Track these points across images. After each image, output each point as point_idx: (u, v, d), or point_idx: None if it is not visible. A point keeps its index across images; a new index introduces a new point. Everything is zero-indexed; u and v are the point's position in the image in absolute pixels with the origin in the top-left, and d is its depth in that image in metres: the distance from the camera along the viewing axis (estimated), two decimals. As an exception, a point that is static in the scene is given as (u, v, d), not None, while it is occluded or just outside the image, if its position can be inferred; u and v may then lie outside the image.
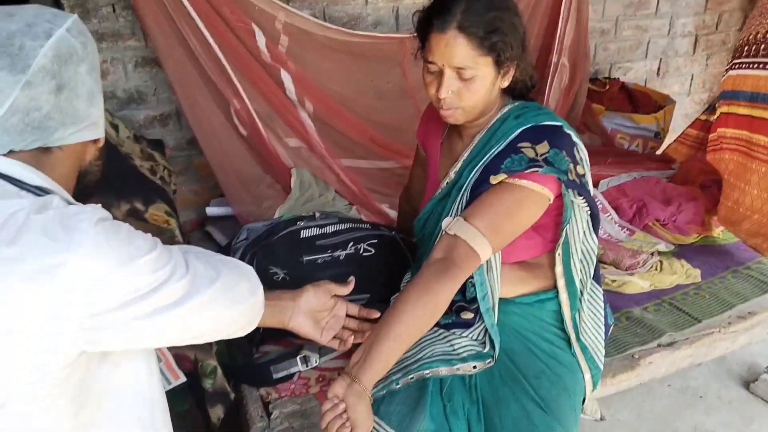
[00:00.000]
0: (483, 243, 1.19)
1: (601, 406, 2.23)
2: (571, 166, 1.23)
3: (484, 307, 1.28)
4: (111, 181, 1.11)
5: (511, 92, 1.32)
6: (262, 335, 1.56)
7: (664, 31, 3.21)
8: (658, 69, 3.31)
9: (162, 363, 1.28)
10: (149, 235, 0.86)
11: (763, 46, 1.97)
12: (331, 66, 2.35)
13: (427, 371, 1.25)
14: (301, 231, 1.76)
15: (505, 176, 1.21)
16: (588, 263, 1.35)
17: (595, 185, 2.47)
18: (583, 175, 1.27)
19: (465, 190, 1.30)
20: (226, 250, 1.89)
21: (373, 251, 1.70)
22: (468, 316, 1.32)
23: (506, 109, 1.31)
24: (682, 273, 1.97)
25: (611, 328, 1.54)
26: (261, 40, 2.09)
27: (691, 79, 3.47)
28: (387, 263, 1.67)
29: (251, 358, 1.56)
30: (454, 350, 1.30)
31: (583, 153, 1.31)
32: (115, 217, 1.06)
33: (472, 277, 1.29)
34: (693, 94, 3.51)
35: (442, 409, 1.25)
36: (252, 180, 2.19)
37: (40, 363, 0.75)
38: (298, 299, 1.19)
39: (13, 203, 0.78)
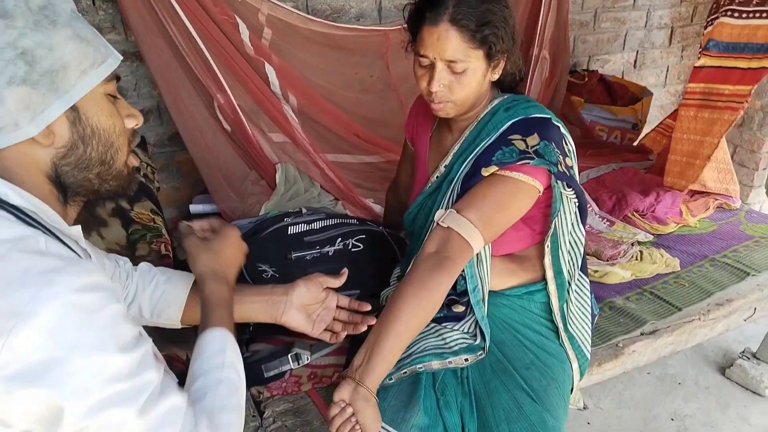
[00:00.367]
0: (476, 235, 1.20)
1: (583, 395, 2.29)
2: (561, 157, 1.25)
3: (475, 300, 1.30)
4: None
5: (499, 85, 1.34)
6: (252, 334, 1.55)
7: (641, 23, 3.25)
8: (635, 61, 3.36)
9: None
10: (140, 330, 0.77)
11: None
12: (315, 59, 2.33)
13: (420, 365, 1.27)
14: (289, 227, 1.76)
15: (497, 168, 1.23)
16: (576, 254, 1.38)
17: (576, 177, 2.50)
18: (571, 167, 1.30)
19: (456, 182, 1.31)
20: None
21: (362, 246, 1.70)
22: (459, 309, 1.34)
23: (496, 101, 1.32)
24: (662, 262, 2.02)
25: (596, 317, 1.58)
26: (245, 33, 2.06)
27: (667, 70, 3.53)
28: (375, 258, 1.68)
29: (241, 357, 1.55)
30: (446, 344, 1.32)
31: (570, 145, 1.33)
32: (99, 216, 1.01)
33: (462, 270, 1.31)
34: (668, 85, 3.57)
35: (435, 402, 1.27)
36: (236, 176, 2.17)
37: None
38: (291, 294, 1.20)
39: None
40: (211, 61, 2.00)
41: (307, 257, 1.67)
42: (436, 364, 1.27)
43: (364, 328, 1.26)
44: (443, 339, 1.33)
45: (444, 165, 1.37)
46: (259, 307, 1.21)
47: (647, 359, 1.74)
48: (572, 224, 1.35)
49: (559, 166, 1.24)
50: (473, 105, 1.30)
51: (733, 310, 1.84)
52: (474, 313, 1.32)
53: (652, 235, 2.22)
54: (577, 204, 1.34)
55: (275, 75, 2.17)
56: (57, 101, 0.75)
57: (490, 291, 1.35)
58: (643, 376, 2.47)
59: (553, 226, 1.31)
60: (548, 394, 1.30)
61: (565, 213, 1.32)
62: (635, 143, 2.94)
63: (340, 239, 1.72)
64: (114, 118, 0.82)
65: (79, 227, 0.85)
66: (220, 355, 0.93)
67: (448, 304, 1.36)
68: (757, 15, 2.08)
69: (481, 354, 1.29)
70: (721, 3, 2.17)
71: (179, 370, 1.32)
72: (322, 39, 2.32)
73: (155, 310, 1.17)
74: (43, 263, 0.69)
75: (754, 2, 2.08)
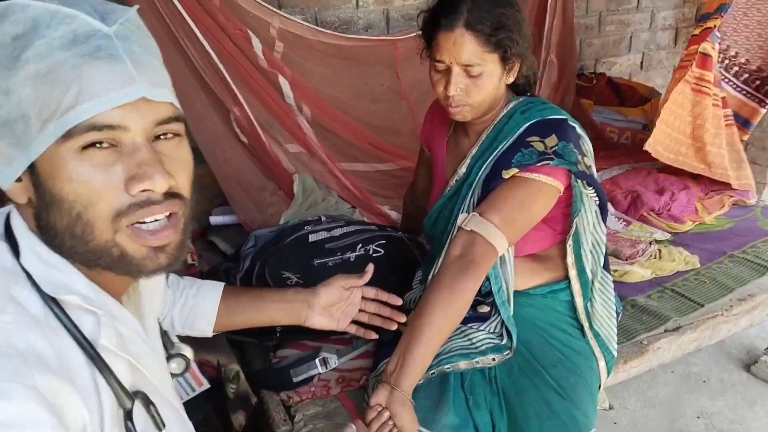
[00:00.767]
0: (500, 237, 1.21)
1: (608, 395, 2.28)
2: (579, 157, 1.26)
3: (500, 300, 1.32)
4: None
5: (514, 88, 1.36)
6: (278, 340, 1.57)
7: (646, 25, 3.28)
8: (642, 62, 3.39)
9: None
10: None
11: None
12: (326, 70, 2.36)
13: (448, 366, 1.28)
14: (309, 235, 1.78)
15: (517, 170, 1.24)
16: (598, 253, 1.39)
17: (589, 178, 2.51)
18: (590, 166, 1.31)
19: (476, 186, 1.33)
20: (235, 258, 1.89)
21: (382, 251, 1.72)
22: (484, 309, 1.35)
23: (512, 105, 1.34)
24: (681, 260, 2.02)
25: (620, 315, 1.58)
26: (257, 47, 2.10)
27: (673, 71, 3.54)
28: (396, 262, 1.69)
29: (269, 363, 1.57)
30: (472, 344, 1.33)
31: (587, 145, 1.35)
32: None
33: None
34: (676, 85, 3.59)
35: (465, 402, 1.28)
36: (255, 187, 2.20)
37: None
38: (312, 301, 1.22)
39: None
40: (226, 75, 2.03)
41: (329, 263, 1.68)
42: (463, 365, 1.28)
43: (394, 327, 1.27)
44: (470, 339, 1.34)
45: (462, 169, 1.39)
46: (282, 313, 1.23)
47: (672, 356, 1.74)
48: (593, 223, 1.36)
49: (578, 165, 1.25)
50: (489, 108, 1.31)
51: (755, 305, 1.83)
52: (499, 314, 1.33)
53: (669, 233, 2.22)
54: (597, 203, 1.35)
55: (289, 87, 2.20)
56: (20, 156, 0.63)
57: (514, 291, 1.36)
58: (667, 375, 2.46)
59: (574, 226, 1.32)
60: (577, 392, 1.30)
61: (586, 212, 1.33)
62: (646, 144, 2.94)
63: (360, 245, 1.73)
64: (81, 184, 0.62)
65: (113, 303, 0.72)
66: None
67: (474, 305, 1.36)
68: None
69: (508, 353, 1.30)
70: None
71: (210, 376, 1.34)
72: (332, 50, 2.35)
73: (186, 323, 1.18)
74: None
75: None
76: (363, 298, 1.28)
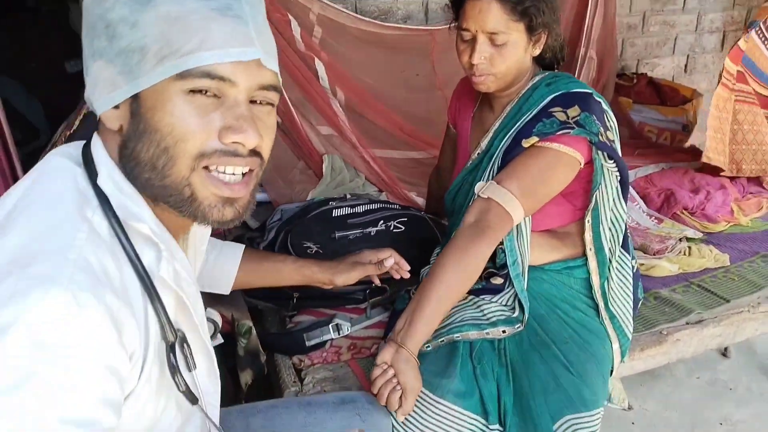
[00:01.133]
0: (516, 205, 1.22)
1: (628, 396, 2.24)
2: (602, 129, 1.26)
3: (514, 273, 1.32)
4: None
5: (540, 62, 1.36)
6: (295, 306, 1.61)
7: (692, 27, 3.21)
8: (686, 65, 3.32)
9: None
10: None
11: None
12: (363, 57, 2.41)
13: (457, 335, 1.29)
14: (333, 210, 1.82)
15: (537, 139, 1.25)
16: (617, 231, 1.37)
17: (623, 175, 2.48)
18: (613, 141, 1.30)
19: (496, 157, 1.34)
20: (260, 230, 1.95)
21: (403, 228, 1.74)
22: (498, 281, 1.36)
23: (537, 78, 1.35)
24: (711, 257, 1.97)
25: (640, 302, 1.56)
26: (296, 30, 2.17)
27: (720, 76, 3.45)
28: (416, 239, 1.71)
29: (285, 328, 1.61)
30: (483, 315, 1.33)
31: (612, 122, 1.34)
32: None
33: (501, 243, 1.33)
34: (722, 91, 3.49)
35: (472, 370, 1.28)
36: (285, 166, 2.26)
37: None
38: (329, 280, 1.33)
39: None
40: (264, 54, 2.10)
41: (350, 236, 1.72)
42: (473, 334, 1.29)
43: (398, 277, 1.37)
44: (481, 311, 1.34)
45: (485, 141, 1.40)
46: (297, 281, 1.33)
47: (693, 350, 1.70)
48: (614, 200, 1.35)
49: (600, 136, 1.25)
50: (514, 80, 1.33)
51: (785, 304, 1.77)
52: (513, 286, 1.33)
53: (702, 233, 2.17)
54: (618, 178, 1.34)
55: (324, 70, 2.26)
56: (126, 85, 0.67)
57: (529, 266, 1.37)
58: (692, 380, 2.39)
59: (594, 201, 1.32)
60: (586, 369, 1.29)
61: (606, 187, 1.33)
62: (686, 144, 2.89)
63: (382, 221, 1.76)
64: (180, 120, 0.67)
65: (166, 236, 0.74)
66: None
67: (487, 276, 1.38)
68: None
69: (519, 326, 1.30)
70: None
71: (225, 331, 1.39)
72: (370, 38, 2.40)
73: (206, 280, 1.23)
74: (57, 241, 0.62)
75: None
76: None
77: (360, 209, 1.82)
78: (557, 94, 1.29)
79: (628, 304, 1.42)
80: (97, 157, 0.71)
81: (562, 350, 1.30)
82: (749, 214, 2.31)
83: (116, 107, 0.69)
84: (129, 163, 0.70)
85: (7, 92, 2.97)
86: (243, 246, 1.30)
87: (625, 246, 1.40)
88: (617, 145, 1.34)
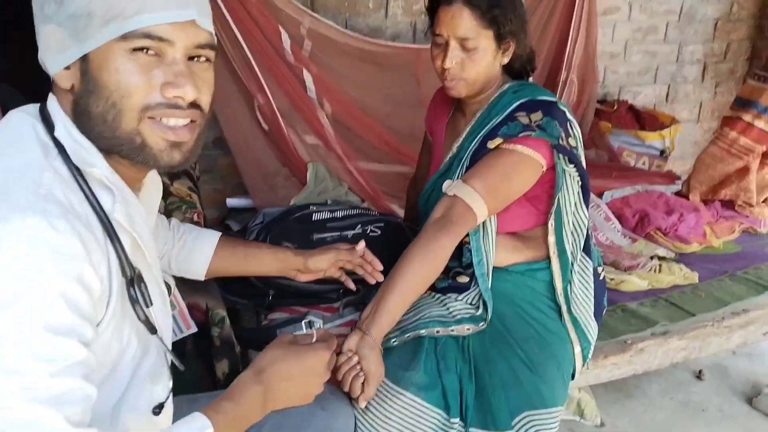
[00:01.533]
0: (479, 202, 1.28)
1: (601, 413, 2.26)
2: (563, 134, 1.32)
3: (479, 272, 1.37)
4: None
5: (510, 72, 1.43)
6: (270, 303, 1.64)
7: (673, 57, 3.32)
8: (667, 94, 3.41)
9: (176, 311, 1.37)
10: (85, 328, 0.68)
11: None
12: (351, 72, 2.49)
13: (423, 330, 1.33)
14: (313, 214, 1.87)
15: (501, 141, 1.31)
16: (578, 235, 1.43)
17: (600, 196, 2.54)
18: (575, 147, 1.36)
19: (465, 159, 1.40)
20: (242, 233, 2.00)
21: (379, 233, 1.79)
22: (464, 280, 1.40)
23: (506, 86, 1.41)
24: (680, 275, 2.02)
25: (605, 309, 1.60)
26: (286, 42, 2.24)
27: (700, 106, 3.55)
28: (391, 244, 1.75)
29: (260, 325, 1.64)
30: (449, 312, 1.38)
31: (576, 131, 1.40)
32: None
33: (468, 243, 1.38)
34: (702, 121, 3.59)
35: (436, 365, 1.31)
36: (270, 172, 2.32)
37: None
38: (303, 268, 1.34)
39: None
40: (254, 64, 2.17)
41: (327, 239, 1.76)
42: (439, 331, 1.33)
43: (373, 281, 1.37)
44: (447, 308, 1.39)
45: (456, 145, 1.46)
46: (272, 269, 1.35)
47: (659, 362, 1.74)
48: (575, 203, 1.40)
49: (560, 140, 1.31)
50: (484, 86, 1.39)
51: (750, 320, 1.82)
52: (478, 285, 1.38)
53: (674, 252, 2.22)
54: (580, 183, 1.40)
55: (312, 81, 2.33)
56: (75, 47, 0.74)
57: (494, 267, 1.41)
58: (665, 401, 2.42)
59: (556, 203, 1.37)
60: (545, 367, 1.33)
61: (568, 191, 1.38)
62: (664, 170, 2.96)
63: (359, 225, 1.81)
64: (125, 77, 0.74)
65: (120, 182, 0.81)
66: None
67: (453, 275, 1.43)
68: None
69: (483, 324, 1.35)
70: None
71: (198, 320, 1.42)
72: (358, 53, 2.48)
73: (182, 264, 1.27)
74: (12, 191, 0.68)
75: None
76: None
77: (339, 214, 1.87)
78: (523, 100, 1.36)
79: (589, 308, 1.46)
80: (53, 113, 0.78)
81: (523, 348, 1.34)
82: (721, 236, 2.36)
83: (67, 68, 0.76)
84: (82, 118, 0.77)
85: (5, 98, 3.03)
86: (220, 233, 1.33)
87: (586, 250, 1.45)
88: (580, 153, 1.40)
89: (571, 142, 1.35)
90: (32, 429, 0.61)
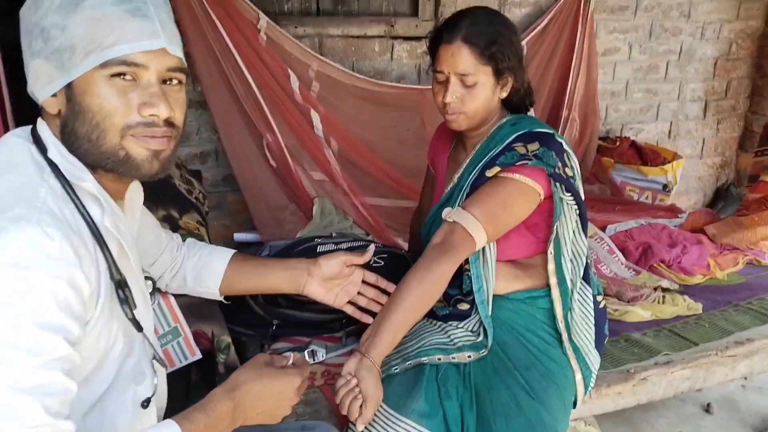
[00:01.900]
0: (478, 228, 1.31)
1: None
2: (559, 164, 1.37)
3: (479, 299, 1.39)
4: (150, 189, 1.11)
5: (509, 106, 1.49)
6: (274, 332, 1.67)
7: (674, 95, 3.38)
8: (669, 131, 3.46)
9: (181, 338, 1.41)
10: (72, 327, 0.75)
11: None
12: (357, 112, 2.58)
13: (425, 358, 1.35)
14: (318, 246, 1.91)
15: (499, 169, 1.36)
16: (578, 263, 1.45)
17: (603, 230, 2.57)
18: (572, 177, 1.40)
19: (465, 188, 1.44)
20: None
21: (382, 263, 1.82)
22: (464, 307, 1.43)
23: (504, 119, 1.47)
24: (684, 306, 2.03)
25: (606, 338, 1.61)
26: (295, 83, 2.34)
27: (703, 142, 3.60)
28: (394, 274, 1.78)
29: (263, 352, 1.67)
30: (450, 340, 1.40)
31: (573, 162, 1.44)
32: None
33: (468, 270, 1.41)
34: (705, 157, 3.63)
35: (437, 392, 1.32)
36: (278, 206, 2.38)
37: None
38: (312, 269, 1.31)
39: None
40: (263, 104, 2.27)
41: (332, 270, 1.80)
42: (440, 358, 1.35)
43: (370, 319, 1.33)
44: (448, 336, 1.41)
45: (456, 176, 1.51)
46: (282, 279, 1.32)
47: (663, 392, 1.73)
48: (573, 231, 1.44)
49: (556, 169, 1.35)
50: (483, 120, 1.45)
51: (754, 350, 1.82)
52: (478, 312, 1.40)
53: (678, 284, 2.23)
54: (578, 212, 1.43)
55: (319, 120, 2.41)
56: (61, 77, 0.83)
57: (495, 295, 1.44)
58: (675, 435, 2.39)
59: (555, 232, 1.40)
60: (547, 394, 1.34)
61: (566, 220, 1.41)
62: (667, 203, 2.99)
63: (363, 256, 1.85)
64: (106, 100, 0.83)
65: (106, 194, 0.90)
66: None
67: (454, 303, 1.46)
68: None
69: (484, 351, 1.36)
70: None
71: (204, 347, 1.45)
72: (364, 95, 2.58)
73: (197, 278, 1.29)
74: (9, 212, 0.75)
75: None
76: (363, 282, 1.36)
77: (344, 246, 1.91)
78: (521, 132, 1.41)
79: (590, 336, 1.47)
80: (44, 137, 0.87)
81: (525, 376, 1.35)
82: (725, 268, 2.37)
83: (54, 95, 0.85)
84: (69, 138, 0.86)
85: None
86: (234, 250, 1.33)
87: (586, 278, 1.47)
88: (578, 184, 1.43)
89: (568, 171, 1.39)
90: (11, 414, 0.67)
